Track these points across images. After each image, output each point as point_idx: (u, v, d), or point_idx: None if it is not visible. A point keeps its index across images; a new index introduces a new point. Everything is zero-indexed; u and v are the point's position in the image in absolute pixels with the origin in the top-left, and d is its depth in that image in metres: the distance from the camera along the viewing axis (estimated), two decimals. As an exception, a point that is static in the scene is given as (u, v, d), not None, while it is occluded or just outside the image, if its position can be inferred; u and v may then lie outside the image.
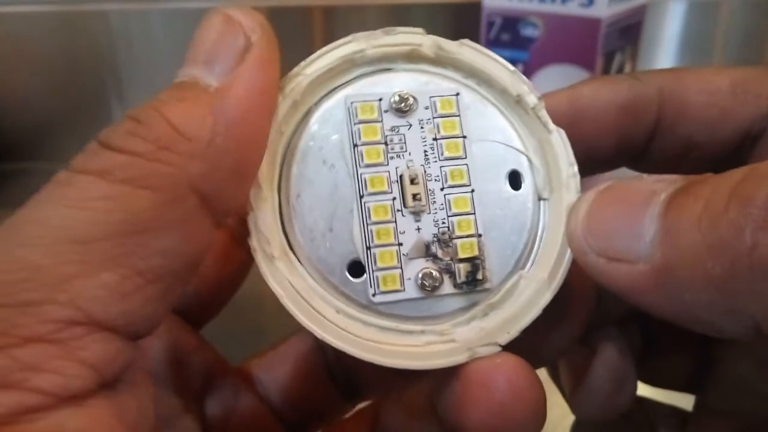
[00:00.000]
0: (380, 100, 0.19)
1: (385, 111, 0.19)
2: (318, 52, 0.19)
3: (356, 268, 0.18)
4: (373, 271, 0.18)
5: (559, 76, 0.54)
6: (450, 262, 0.18)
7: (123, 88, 0.66)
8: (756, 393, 0.22)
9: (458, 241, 0.18)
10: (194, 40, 0.17)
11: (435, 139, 0.19)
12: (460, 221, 0.18)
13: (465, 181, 0.18)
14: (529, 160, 0.19)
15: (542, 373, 0.20)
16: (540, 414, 0.17)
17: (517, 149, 0.19)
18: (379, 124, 0.18)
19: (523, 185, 0.19)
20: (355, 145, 0.18)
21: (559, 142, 0.19)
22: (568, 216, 0.17)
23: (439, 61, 0.19)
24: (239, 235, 0.22)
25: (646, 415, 0.25)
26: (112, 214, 0.14)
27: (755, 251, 0.13)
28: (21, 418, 0.13)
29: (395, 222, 0.18)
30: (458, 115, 0.19)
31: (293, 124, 0.18)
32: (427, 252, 0.18)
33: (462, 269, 0.18)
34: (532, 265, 0.19)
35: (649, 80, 0.21)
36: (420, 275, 0.18)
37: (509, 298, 0.18)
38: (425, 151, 0.18)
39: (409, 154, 0.18)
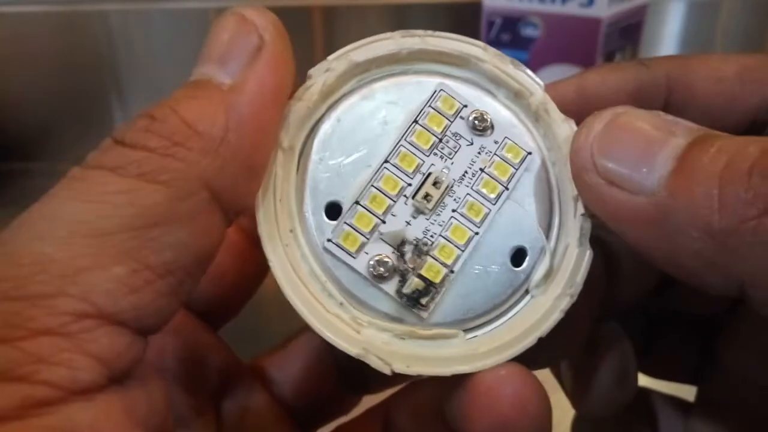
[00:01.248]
0: (465, 106, 0.19)
1: (461, 117, 0.19)
2: (447, 33, 0.19)
3: (333, 211, 0.18)
4: (344, 221, 0.18)
5: (559, 77, 0.53)
6: (410, 269, 0.18)
7: (123, 88, 0.66)
8: (756, 384, 0.22)
9: (430, 260, 0.18)
10: (208, 39, 0.17)
11: (482, 169, 0.18)
12: (445, 246, 0.18)
13: (478, 220, 0.18)
14: (543, 254, 0.18)
15: (542, 373, 0.19)
16: (545, 426, 0.17)
17: (541, 236, 0.18)
18: (447, 121, 0.19)
19: (522, 267, 0.18)
20: (416, 122, 0.18)
21: (583, 260, 0.18)
22: (579, 129, 0.17)
23: (537, 117, 0.19)
24: (256, 236, 0.23)
25: (647, 406, 0.25)
26: (124, 208, 0.14)
27: (764, 218, 0.14)
28: (30, 411, 0.13)
29: (395, 202, 0.18)
30: (516, 168, 0.19)
31: (386, 70, 0.19)
32: (399, 246, 0.18)
33: (414, 283, 0.18)
34: (475, 336, 0.18)
35: (657, 66, 0.20)
36: (377, 258, 0.18)
37: (433, 342, 0.18)
38: (466, 172, 0.18)
39: (452, 163, 0.18)
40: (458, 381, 0.17)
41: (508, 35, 0.55)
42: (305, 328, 0.23)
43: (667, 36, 0.68)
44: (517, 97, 0.19)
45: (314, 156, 0.18)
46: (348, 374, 0.24)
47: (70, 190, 0.15)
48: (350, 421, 0.24)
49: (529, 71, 0.19)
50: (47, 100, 0.65)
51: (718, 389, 0.23)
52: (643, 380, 0.23)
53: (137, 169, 0.15)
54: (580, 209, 0.18)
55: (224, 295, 0.23)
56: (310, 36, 0.64)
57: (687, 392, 0.25)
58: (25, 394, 0.13)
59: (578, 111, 0.19)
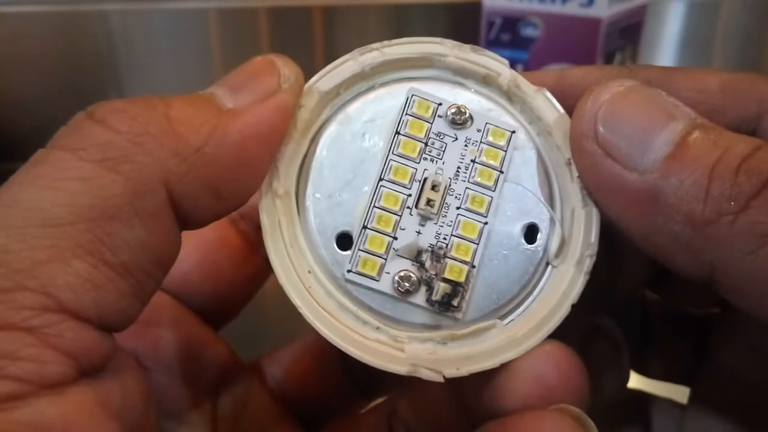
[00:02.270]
0: (440, 104, 0.19)
1: (439, 116, 0.19)
2: (403, 39, 0.19)
3: (345, 241, 0.18)
4: (358, 248, 0.18)
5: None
6: (433, 276, 0.18)
7: (123, 88, 0.66)
8: (748, 383, 0.22)
9: (450, 261, 0.18)
10: (232, 71, 0.17)
11: (473, 161, 0.19)
12: (460, 244, 0.18)
13: (483, 210, 0.18)
14: (554, 222, 0.19)
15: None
16: (585, 394, 0.18)
17: (546, 206, 0.19)
18: (427, 124, 0.19)
19: (537, 242, 0.18)
20: (398, 133, 0.18)
21: (591, 219, 0.18)
22: (586, 95, 0.17)
23: (511, 96, 0.19)
24: (254, 240, 0.23)
25: (642, 408, 0.25)
26: (80, 197, 0.14)
27: (741, 214, 0.15)
28: (0, 406, 0.12)
29: (400, 216, 0.18)
30: (505, 150, 0.19)
31: (354, 90, 0.19)
32: (416, 257, 0.18)
33: (441, 288, 0.18)
34: (512, 320, 0.18)
35: (639, 71, 0.21)
36: (399, 274, 0.18)
37: (474, 338, 0.18)
38: (458, 168, 0.18)
39: (443, 162, 0.18)
40: (501, 367, 0.18)
41: (508, 35, 0.55)
42: (316, 336, 0.23)
43: (667, 36, 0.68)
44: (486, 81, 0.19)
45: (310, 194, 0.18)
46: (358, 377, 0.24)
47: (29, 176, 0.14)
48: (355, 416, 0.24)
49: (490, 53, 0.19)
50: (47, 100, 0.65)
51: (710, 388, 0.23)
52: (639, 382, 0.23)
53: (100, 153, 0.14)
54: (575, 172, 0.18)
55: (221, 294, 0.23)
56: (310, 36, 0.64)
57: (682, 396, 0.25)
58: None
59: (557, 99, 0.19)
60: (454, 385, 0.20)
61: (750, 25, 0.68)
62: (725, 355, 0.23)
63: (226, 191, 0.16)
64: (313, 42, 0.64)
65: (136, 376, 0.16)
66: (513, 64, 0.19)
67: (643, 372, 0.25)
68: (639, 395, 0.25)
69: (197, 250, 0.22)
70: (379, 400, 0.24)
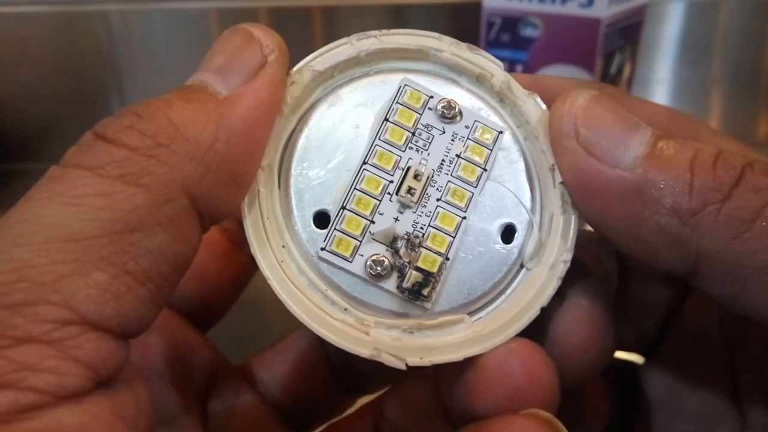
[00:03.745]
0: (431, 97, 0.19)
1: (429, 108, 0.19)
2: (399, 30, 0.19)
3: (322, 220, 0.18)
4: (334, 228, 0.18)
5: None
6: (407, 263, 0.18)
7: (123, 88, 0.66)
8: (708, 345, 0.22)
9: (425, 251, 0.18)
10: (211, 49, 0.17)
11: (458, 155, 0.19)
12: (436, 235, 0.18)
13: (462, 205, 0.18)
14: (531, 226, 0.19)
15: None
16: (554, 395, 0.18)
17: (526, 209, 0.19)
18: (416, 114, 0.19)
19: (513, 243, 0.19)
20: (386, 119, 0.19)
21: (569, 226, 0.18)
22: (561, 98, 0.18)
23: (502, 97, 0.20)
24: (238, 238, 0.23)
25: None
26: (103, 212, 0.14)
27: (726, 202, 0.16)
28: (18, 416, 0.13)
29: (380, 201, 0.18)
30: (491, 149, 0.19)
31: (348, 74, 0.19)
32: (391, 243, 0.18)
33: (413, 276, 0.18)
34: (480, 317, 0.18)
35: (604, 89, 0.21)
36: (372, 258, 0.18)
37: (441, 330, 0.18)
38: (443, 160, 0.19)
39: (428, 154, 0.19)
40: (467, 363, 0.18)
41: (508, 35, 0.55)
42: (303, 332, 0.23)
43: (667, 36, 0.68)
44: (479, 80, 0.20)
45: (294, 170, 0.18)
46: (343, 376, 0.24)
47: (48, 192, 0.14)
48: (342, 419, 0.24)
49: (486, 53, 0.20)
50: (47, 100, 0.65)
51: (668, 357, 0.23)
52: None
53: (118, 169, 0.14)
54: (558, 178, 0.19)
55: (207, 295, 0.23)
56: (310, 36, 0.64)
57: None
58: (12, 399, 0.13)
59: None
60: (436, 385, 0.20)
61: (750, 25, 0.68)
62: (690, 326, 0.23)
63: (244, 179, 0.17)
64: (313, 42, 0.64)
65: (145, 385, 0.16)
66: (513, 65, 0.20)
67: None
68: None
69: None
70: (365, 400, 0.24)
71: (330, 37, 0.67)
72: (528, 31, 0.54)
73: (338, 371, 0.24)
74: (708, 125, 0.21)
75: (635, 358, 0.25)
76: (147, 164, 0.15)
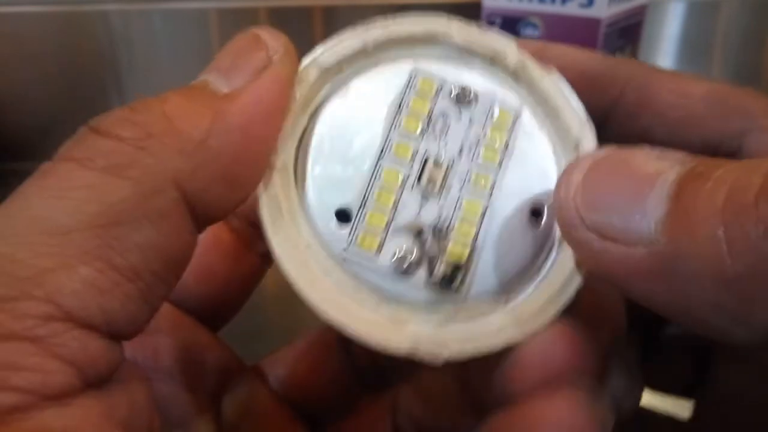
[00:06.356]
0: (444, 83, 0.19)
1: (443, 94, 0.18)
2: (407, 16, 0.19)
3: (344, 217, 0.17)
4: (357, 225, 0.17)
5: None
6: (435, 255, 0.17)
7: (123, 88, 0.66)
8: (748, 401, 0.22)
9: (452, 240, 0.18)
10: (219, 52, 0.17)
11: (477, 140, 0.18)
12: (462, 224, 0.18)
13: (486, 190, 0.18)
14: None
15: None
16: (593, 376, 0.17)
17: (552, 188, 0.18)
18: (430, 102, 0.18)
19: (542, 224, 0.18)
20: (400, 110, 0.18)
21: None
22: (559, 180, 0.16)
23: (518, 76, 0.19)
24: (248, 238, 0.22)
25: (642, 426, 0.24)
26: (89, 204, 0.14)
27: None
28: (3, 418, 0.12)
29: (401, 193, 0.18)
30: (510, 131, 0.18)
31: (356, 67, 0.19)
32: (417, 235, 0.18)
33: (442, 267, 0.17)
34: (516, 302, 0.18)
35: (622, 64, 0.20)
36: (400, 251, 0.17)
37: (475, 320, 0.17)
38: (462, 147, 0.18)
39: (446, 141, 0.18)
40: (505, 349, 0.17)
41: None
42: (320, 329, 0.23)
43: (667, 36, 0.68)
44: (492, 61, 0.19)
45: (310, 169, 0.18)
46: (364, 371, 0.23)
47: (36, 186, 0.14)
48: (356, 415, 0.24)
49: (497, 31, 0.19)
50: (47, 100, 0.65)
51: (710, 405, 0.23)
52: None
53: (104, 160, 0.14)
54: (581, 150, 0.18)
55: (216, 295, 0.22)
56: (310, 36, 0.64)
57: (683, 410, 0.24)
58: None
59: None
60: (461, 373, 0.19)
61: (750, 25, 0.68)
62: (727, 371, 0.22)
63: (240, 178, 0.16)
64: (313, 42, 0.64)
65: (143, 386, 0.16)
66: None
67: (646, 383, 0.25)
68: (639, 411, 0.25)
69: None
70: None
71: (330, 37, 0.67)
72: (528, 31, 0.54)
73: (358, 367, 0.23)
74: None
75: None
76: (136, 156, 0.14)
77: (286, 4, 0.63)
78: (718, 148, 0.19)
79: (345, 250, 0.17)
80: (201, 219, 0.16)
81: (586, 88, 0.20)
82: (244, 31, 0.17)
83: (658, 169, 0.14)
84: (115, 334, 0.14)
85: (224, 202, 0.16)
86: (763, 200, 0.12)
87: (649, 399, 0.25)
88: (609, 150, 0.16)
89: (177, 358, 0.21)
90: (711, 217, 0.12)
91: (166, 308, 0.21)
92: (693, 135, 0.19)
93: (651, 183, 0.14)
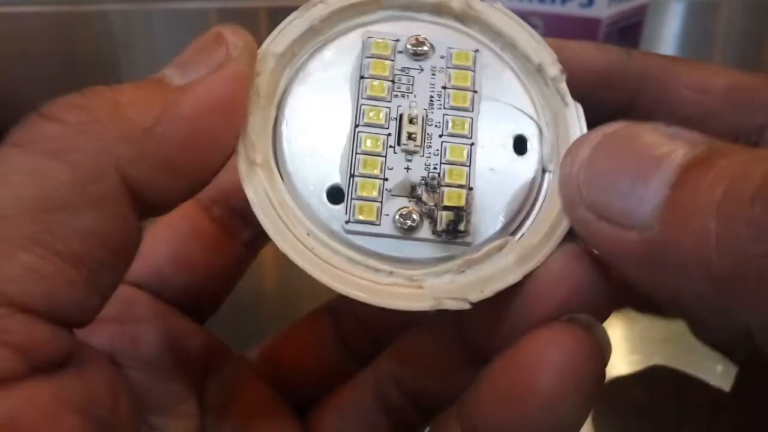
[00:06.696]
0: (397, 41, 0.19)
1: (400, 52, 0.19)
2: None
3: (336, 195, 0.18)
4: (351, 198, 0.18)
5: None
6: (433, 207, 0.18)
7: (123, 88, 0.66)
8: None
9: (446, 189, 0.18)
10: (183, 50, 0.17)
11: (444, 87, 0.19)
12: (452, 170, 0.18)
13: (466, 132, 0.18)
14: (539, 129, 0.19)
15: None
16: (607, 291, 0.17)
17: (528, 115, 0.19)
18: (389, 62, 0.19)
19: (528, 152, 0.18)
20: (362, 77, 0.18)
21: (574, 116, 0.19)
22: (565, 156, 0.17)
23: (466, 18, 0.19)
24: (230, 227, 0.22)
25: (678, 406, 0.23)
26: (27, 189, 0.14)
27: None
28: None
29: (385, 156, 0.18)
30: (473, 70, 0.19)
31: (308, 48, 0.19)
32: (411, 192, 0.18)
33: (444, 216, 0.18)
34: (522, 233, 0.18)
35: (640, 58, 0.20)
36: (399, 213, 0.18)
37: (490, 258, 0.18)
38: (431, 97, 0.18)
39: (415, 96, 0.18)
40: (522, 281, 0.17)
41: (508, 35, 0.55)
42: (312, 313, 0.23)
43: (667, 36, 0.68)
44: (437, 10, 0.19)
45: (289, 157, 0.18)
46: (355, 347, 0.23)
47: None
48: (336, 392, 0.23)
49: None
50: (47, 100, 0.65)
51: (754, 374, 0.21)
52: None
53: (47, 145, 0.14)
54: (549, 74, 0.18)
55: (197, 286, 0.22)
56: (310, 36, 0.64)
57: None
58: None
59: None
60: (447, 329, 0.19)
61: (750, 25, 0.68)
62: None
63: (186, 168, 0.16)
64: (313, 42, 0.64)
65: (103, 371, 0.16)
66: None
67: (639, 308, 0.23)
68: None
69: (168, 241, 0.22)
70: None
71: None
72: (528, 31, 0.54)
73: (349, 343, 0.23)
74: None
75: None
76: (77, 140, 0.14)
77: (286, 4, 0.63)
78: (736, 142, 0.19)
79: (345, 225, 0.18)
80: (148, 207, 0.16)
81: (604, 86, 0.20)
82: (211, 30, 0.17)
83: (665, 151, 0.14)
84: (63, 321, 0.14)
85: (171, 191, 0.16)
86: (759, 200, 0.11)
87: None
88: (619, 125, 0.15)
89: (157, 346, 0.20)
90: (706, 210, 0.12)
91: (145, 299, 0.21)
92: (710, 130, 0.19)
93: (655, 167, 0.14)
